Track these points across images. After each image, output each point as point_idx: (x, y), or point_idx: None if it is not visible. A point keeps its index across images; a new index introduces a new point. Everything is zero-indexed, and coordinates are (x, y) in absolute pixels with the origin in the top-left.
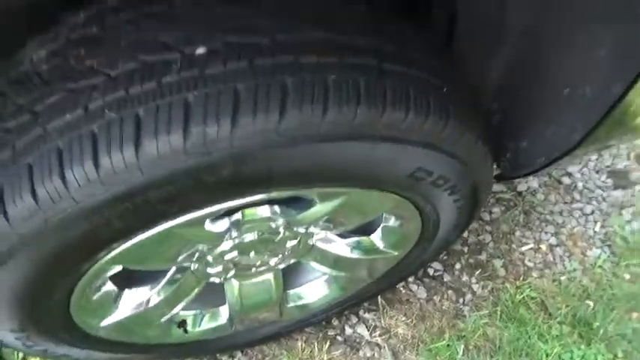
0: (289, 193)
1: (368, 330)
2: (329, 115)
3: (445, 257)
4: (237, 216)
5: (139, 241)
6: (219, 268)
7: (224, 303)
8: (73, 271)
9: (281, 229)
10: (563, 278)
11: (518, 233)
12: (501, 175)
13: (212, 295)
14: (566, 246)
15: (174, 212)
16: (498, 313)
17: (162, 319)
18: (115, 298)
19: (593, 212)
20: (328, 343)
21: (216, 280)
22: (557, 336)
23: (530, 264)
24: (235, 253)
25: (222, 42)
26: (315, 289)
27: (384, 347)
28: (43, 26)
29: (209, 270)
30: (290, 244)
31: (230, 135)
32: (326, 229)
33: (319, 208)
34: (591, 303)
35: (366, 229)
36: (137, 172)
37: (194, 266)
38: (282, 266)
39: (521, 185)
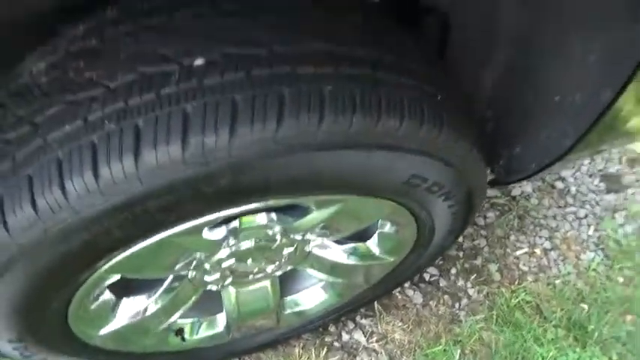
0: (286, 201)
1: (365, 336)
2: (325, 124)
3: (441, 262)
4: (235, 224)
5: (138, 249)
6: (217, 276)
7: (221, 310)
8: (72, 280)
9: (278, 236)
10: (557, 282)
11: (512, 237)
12: (495, 180)
13: (209, 303)
14: (560, 250)
15: (173, 221)
16: (494, 317)
17: (160, 328)
18: (113, 307)
19: (586, 216)
20: (325, 349)
21: (214, 288)
22: (552, 339)
23: (525, 268)
24: (232, 260)
25: (220, 53)
26: (311, 296)
27: (381, 353)
28: (42, 39)
29: (206, 278)
30: (287, 251)
31: (228, 145)
32: (322, 236)
33: (316, 215)
34: (586, 306)
35: (362, 236)
36: (136, 182)
37: (191, 274)
38: (279, 273)
39: (515, 190)
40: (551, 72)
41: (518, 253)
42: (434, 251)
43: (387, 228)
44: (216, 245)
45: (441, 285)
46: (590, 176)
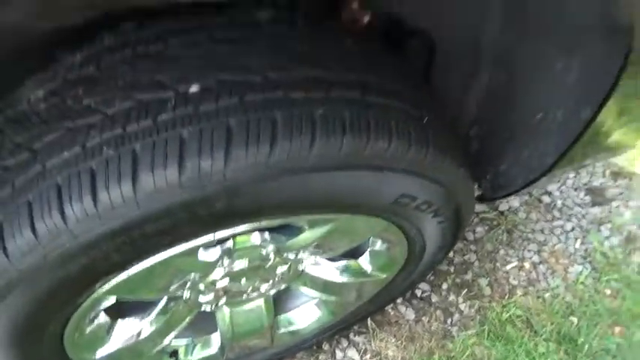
0: (279, 221)
1: (359, 353)
2: (316, 146)
3: (432, 278)
4: (229, 244)
5: (134, 272)
6: (211, 296)
7: (215, 330)
8: (69, 304)
9: (271, 256)
10: (547, 295)
11: (502, 252)
12: (483, 196)
13: (203, 323)
14: (548, 263)
15: (170, 243)
16: (486, 332)
17: (155, 350)
18: (108, 330)
19: (573, 229)
20: None
21: (208, 308)
22: (543, 353)
23: (515, 282)
24: (227, 280)
25: (215, 80)
26: (305, 314)
27: None
28: (40, 65)
29: (201, 298)
30: (280, 269)
31: (224, 168)
32: (315, 254)
33: (308, 235)
34: (575, 319)
35: (354, 253)
36: (134, 206)
37: (186, 295)
38: (272, 292)
39: (503, 205)
40: (532, 91)
41: (507, 267)
42: (425, 267)
43: (379, 245)
44: (211, 266)
45: (432, 300)
46: (576, 190)
